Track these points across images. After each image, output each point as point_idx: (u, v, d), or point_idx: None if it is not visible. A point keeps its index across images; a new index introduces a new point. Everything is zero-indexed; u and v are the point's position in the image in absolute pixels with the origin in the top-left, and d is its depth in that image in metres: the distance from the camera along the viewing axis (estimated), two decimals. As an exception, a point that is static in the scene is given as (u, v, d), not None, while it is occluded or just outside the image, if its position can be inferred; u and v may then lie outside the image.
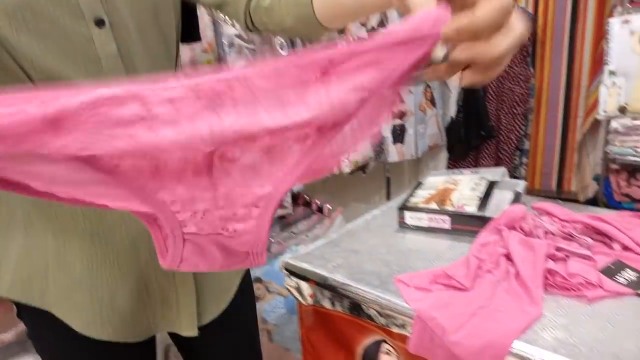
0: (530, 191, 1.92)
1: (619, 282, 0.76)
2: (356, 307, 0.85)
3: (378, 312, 0.81)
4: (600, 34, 2.28)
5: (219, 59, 1.63)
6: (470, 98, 2.56)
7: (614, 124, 1.93)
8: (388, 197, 2.61)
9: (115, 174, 0.39)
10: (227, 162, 0.41)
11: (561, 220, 0.92)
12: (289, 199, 1.85)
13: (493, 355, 0.65)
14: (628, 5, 1.86)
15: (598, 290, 0.74)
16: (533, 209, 0.98)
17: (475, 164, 2.69)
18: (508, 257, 0.82)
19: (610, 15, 1.93)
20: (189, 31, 1.39)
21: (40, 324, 0.71)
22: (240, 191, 0.43)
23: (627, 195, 1.96)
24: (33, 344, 0.75)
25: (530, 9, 2.55)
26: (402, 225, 1.04)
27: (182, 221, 0.44)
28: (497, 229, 0.91)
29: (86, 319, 0.69)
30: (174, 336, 0.83)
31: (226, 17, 0.74)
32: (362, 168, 2.12)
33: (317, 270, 0.89)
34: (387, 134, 2.16)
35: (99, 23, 0.59)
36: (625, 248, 0.85)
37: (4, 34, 0.53)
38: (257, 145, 0.41)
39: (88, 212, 0.65)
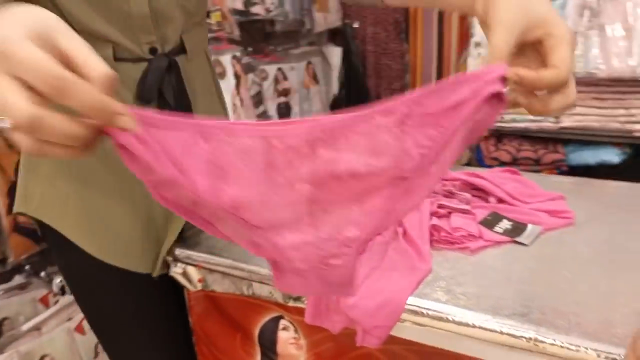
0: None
1: (497, 232, 0.80)
2: (249, 287, 0.81)
3: (272, 288, 0.78)
4: (464, 10, 2.43)
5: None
6: (351, 75, 2.61)
7: (481, 93, 2.07)
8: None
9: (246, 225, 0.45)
10: (322, 211, 0.46)
11: (441, 179, 0.95)
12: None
13: (389, 313, 0.64)
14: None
15: (479, 242, 0.78)
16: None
17: (360, 139, 2.75)
18: (396, 218, 0.83)
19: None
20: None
21: (61, 245, 0.78)
22: (334, 235, 0.47)
23: (495, 159, 2.12)
24: (56, 262, 0.87)
25: (401, -13, 2.65)
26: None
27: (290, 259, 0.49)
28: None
29: (99, 244, 0.78)
30: None
31: None
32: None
33: (204, 253, 0.83)
34: (273, 112, 2.12)
35: None
36: (500, 200, 0.90)
37: None
38: (348, 190, 0.44)
39: (111, 160, 0.73)
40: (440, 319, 0.63)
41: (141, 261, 0.82)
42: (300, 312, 0.77)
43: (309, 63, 2.33)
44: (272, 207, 0.44)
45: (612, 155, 1.89)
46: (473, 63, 2.04)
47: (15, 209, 0.79)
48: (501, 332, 0.60)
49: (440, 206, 0.86)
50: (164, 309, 0.90)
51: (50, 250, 0.85)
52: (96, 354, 1.57)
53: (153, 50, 0.73)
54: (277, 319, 0.82)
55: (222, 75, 1.87)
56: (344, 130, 0.41)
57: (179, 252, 0.84)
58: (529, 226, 0.80)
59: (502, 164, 2.09)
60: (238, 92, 1.91)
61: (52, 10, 0.38)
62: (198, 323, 0.91)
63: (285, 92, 2.17)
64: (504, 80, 0.42)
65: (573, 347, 0.55)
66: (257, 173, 0.42)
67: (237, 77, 1.92)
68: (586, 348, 0.55)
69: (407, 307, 0.65)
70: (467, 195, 0.89)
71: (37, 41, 0.34)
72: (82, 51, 0.35)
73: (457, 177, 0.94)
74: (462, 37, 2.40)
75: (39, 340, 1.45)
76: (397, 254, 0.74)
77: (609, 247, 0.76)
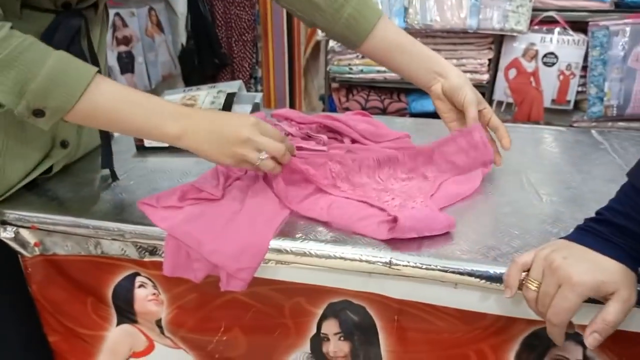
0: (267, 113, 1.99)
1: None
2: (96, 245, 0.73)
3: (124, 244, 0.72)
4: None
5: None
6: (199, 24, 2.47)
7: (331, 44, 2.11)
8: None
9: None
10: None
11: (298, 123, 0.95)
12: None
13: (253, 255, 0.63)
14: None
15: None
16: (272, 117, 0.99)
17: (213, 93, 2.65)
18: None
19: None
20: None
21: None
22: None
23: (346, 109, 2.21)
24: None
25: None
26: (140, 149, 0.93)
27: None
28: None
29: None
30: None
31: None
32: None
33: (39, 213, 0.73)
34: (113, 62, 1.92)
35: None
36: (353, 141, 0.93)
37: None
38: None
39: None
40: (303, 254, 0.64)
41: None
42: (157, 266, 0.73)
43: (151, 9, 2.13)
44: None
45: (446, 103, 2.08)
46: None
47: None
48: (360, 260, 0.62)
49: (299, 148, 0.86)
50: (1, 281, 0.79)
51: None
52: None
53: (66, 5, 0.69)
54: (132, 277, 0.76)
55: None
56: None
57: (8, 213, 0.72)
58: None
59: (353, 114, 2.18)
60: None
61: None
62: (39, 292, 0.81)
63: (126, 41, 1.97)
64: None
65: (424, 267, 0.60)
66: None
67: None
68: (435, 266, 0.60)
69: (270, 247, 0.64)
70: (324, 137, 0.90)
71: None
72: None
73: (314, 120, 0.95)
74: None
75: None
76: (258, 197, 0.73)
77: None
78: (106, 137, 0.81)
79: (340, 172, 0.77)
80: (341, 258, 0.63)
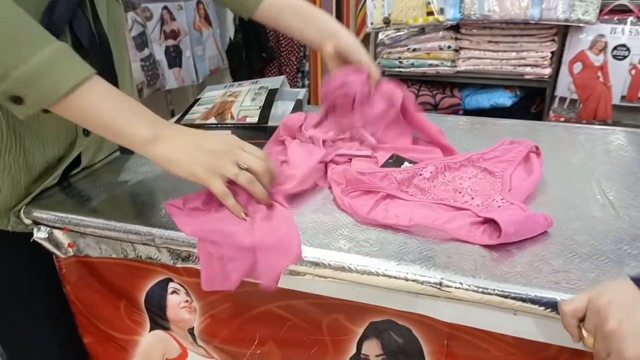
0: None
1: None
2: (129, 249, 0.70)
3: (156, 249, 0.68)
4: (363, -50, 2.35)
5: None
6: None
7: (381, 36, 2.03)
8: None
9: None
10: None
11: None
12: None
13: (284, 250, 0.59)
14: None
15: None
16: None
17: (261, 87, 2.63)
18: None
19: None
20: None
21: None
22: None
23: (396, 105, 2.12)
24: None
25: None
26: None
27: None
28: (280, 140, 0.85)
29: None
30: None
31: None
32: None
33: (72, 214, 0.70)
34: (161, 56, 1.92)
35: None
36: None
37: None
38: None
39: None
40: (342, 269, 0.58)
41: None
42: (190, 273, 0.69)
43: (199, 2, 2.12)
44: None
45: (504, 99, 1.96)
46: (371, 5, 1.98)
47: None
48: (406, 279, 0.56)
49: (342, 155, 0.80)
50: (38, 280, 0.78)
51: None
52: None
53: None
54: (165, 282, 0.73)
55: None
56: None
57: (38, 213, 0.71)
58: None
59: (402, 109, 2.09)
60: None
61: None
62: (73, 293, 0.79)
63: (174, 34, 1.97)
64: None
65: (479, 290, 0.53)
66: None
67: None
68: (493, 290, 0.52)
69: (306, 259, 0.59)
70: (372, 140, 0.83)
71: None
72: None
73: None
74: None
75: None
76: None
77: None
78: None
79: (403, 180, 0.71)
80: (385, 275, 0.56)
